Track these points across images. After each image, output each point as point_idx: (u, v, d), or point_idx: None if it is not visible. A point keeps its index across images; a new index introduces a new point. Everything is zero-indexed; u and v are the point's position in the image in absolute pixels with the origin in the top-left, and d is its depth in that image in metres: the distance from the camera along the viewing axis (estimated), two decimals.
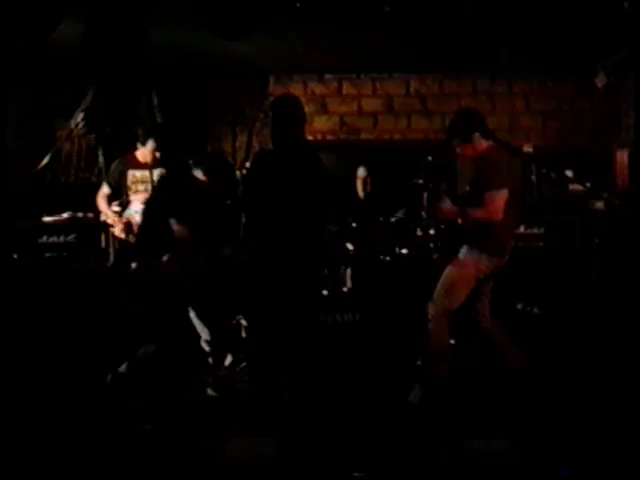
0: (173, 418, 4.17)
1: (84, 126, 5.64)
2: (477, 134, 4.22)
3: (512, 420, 3.94)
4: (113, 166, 5.35)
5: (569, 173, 5.90)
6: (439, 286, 4.24)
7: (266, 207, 4.03)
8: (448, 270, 4.28)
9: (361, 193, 5.57)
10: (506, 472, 3.37)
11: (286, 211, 4.01)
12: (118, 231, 5.21)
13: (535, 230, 5.63)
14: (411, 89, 7.05)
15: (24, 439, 3.75)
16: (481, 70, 6.82)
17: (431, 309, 4.20)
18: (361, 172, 5.64)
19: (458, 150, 4.29)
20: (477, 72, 6.89)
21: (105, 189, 5.31)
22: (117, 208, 5.26)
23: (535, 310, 5.29)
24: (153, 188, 5.05)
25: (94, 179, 6.39)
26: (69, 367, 4.80)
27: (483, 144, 4.25)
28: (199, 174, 4.55)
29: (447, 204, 4.26)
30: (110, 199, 5.29)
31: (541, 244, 5.58)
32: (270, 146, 4.23)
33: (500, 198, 4.10)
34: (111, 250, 5.38)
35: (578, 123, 7.01)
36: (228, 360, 5.26)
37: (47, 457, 3.57)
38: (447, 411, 4.02)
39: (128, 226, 5.16)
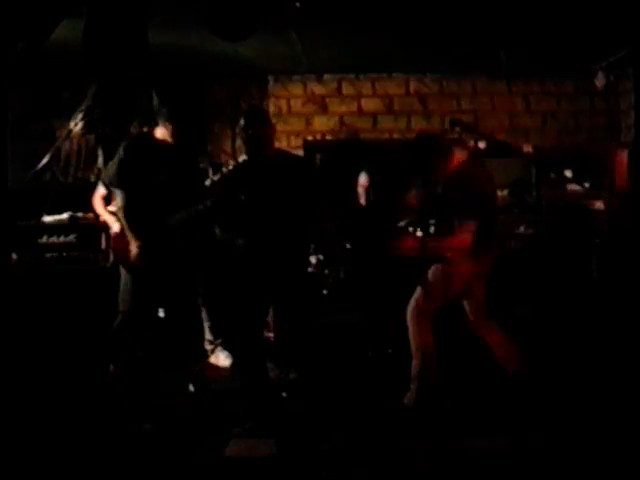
0: (173, 418, 4.17)
1: (84, 126, 5.62)
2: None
3: (512, 420, 3.95)
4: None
5: (568, 173, 5.90)
6: (421, 284, 4.28)
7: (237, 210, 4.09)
8: (430, 271, 4.30)
9: (363, 200, 5.49)
10: (506, 472, 3.37)
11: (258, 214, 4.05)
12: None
13: (535, 230, 5.64)
14: (411, 89, 7.04)
15: (24, 439, 3.75)
16: (481, 70, 6.82)
17: (409, 308, 4.24)
18: (362, 180, 5.55)
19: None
20: (477, 72, 6.89)
21: (101, 190, 5.24)
22: (113, 209, 5.21)
23: (535, 310, 5.29)
24: None
25: (94, 179, 6.38)
26: (68, 367, 4.81)
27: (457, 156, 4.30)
28: None
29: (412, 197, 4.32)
30: (107, 200, 5.23)
31: (541, 244, 5.58)
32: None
33: (469, 230, 4.14)
34: (111, 250, 5.35)
35: (578, 123, 7.01)
36: (228, 361, 5.27)
37: (47, 457, 3.57)
38: (447, 411, 4.03)
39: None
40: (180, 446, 3.74)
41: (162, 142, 4.34)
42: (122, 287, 4.39)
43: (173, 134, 4.31)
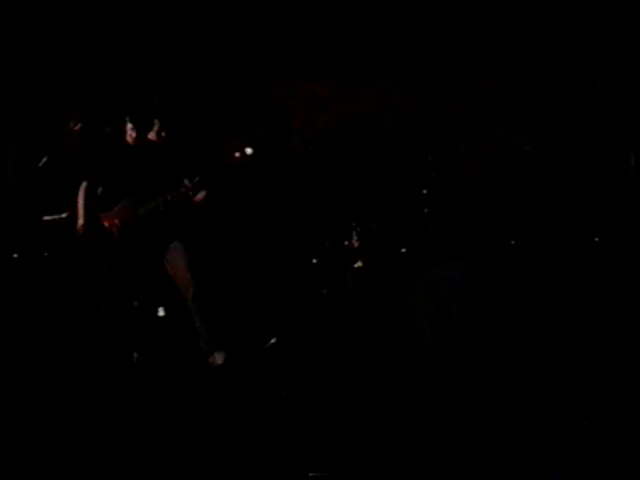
0: (171, 413, 4.17)
1: (84, 126, 5.62)
2: None
3: (512, 420, 3.95)
4: None
5: (569, 173, 5.91)
6: (421, 287, 4.28)
7: None
8: (430, 272, 4.31)
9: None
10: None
11: None
12: None
13: (534, 230, 5.64)
14: (411, 89, 7.05)
15: (23, 437, 3.76)
16: (481, 70, 6.82)
17: (411, 309, 4.25)
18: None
19: None
20: (477, 72, 6.89)
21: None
22: None
23: (535, 310, 5.30)
24: None
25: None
26: (68, 366, 4.82)
27: None
28: None
29: None
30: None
31: (541, 244, 5.59)
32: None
33: None
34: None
35: (579, 123, 7.00)
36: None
37: (46, 456, 3.58)
38: (446, 411, 4.03)
39: None
40: (180, 443, 3.74)
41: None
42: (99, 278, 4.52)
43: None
